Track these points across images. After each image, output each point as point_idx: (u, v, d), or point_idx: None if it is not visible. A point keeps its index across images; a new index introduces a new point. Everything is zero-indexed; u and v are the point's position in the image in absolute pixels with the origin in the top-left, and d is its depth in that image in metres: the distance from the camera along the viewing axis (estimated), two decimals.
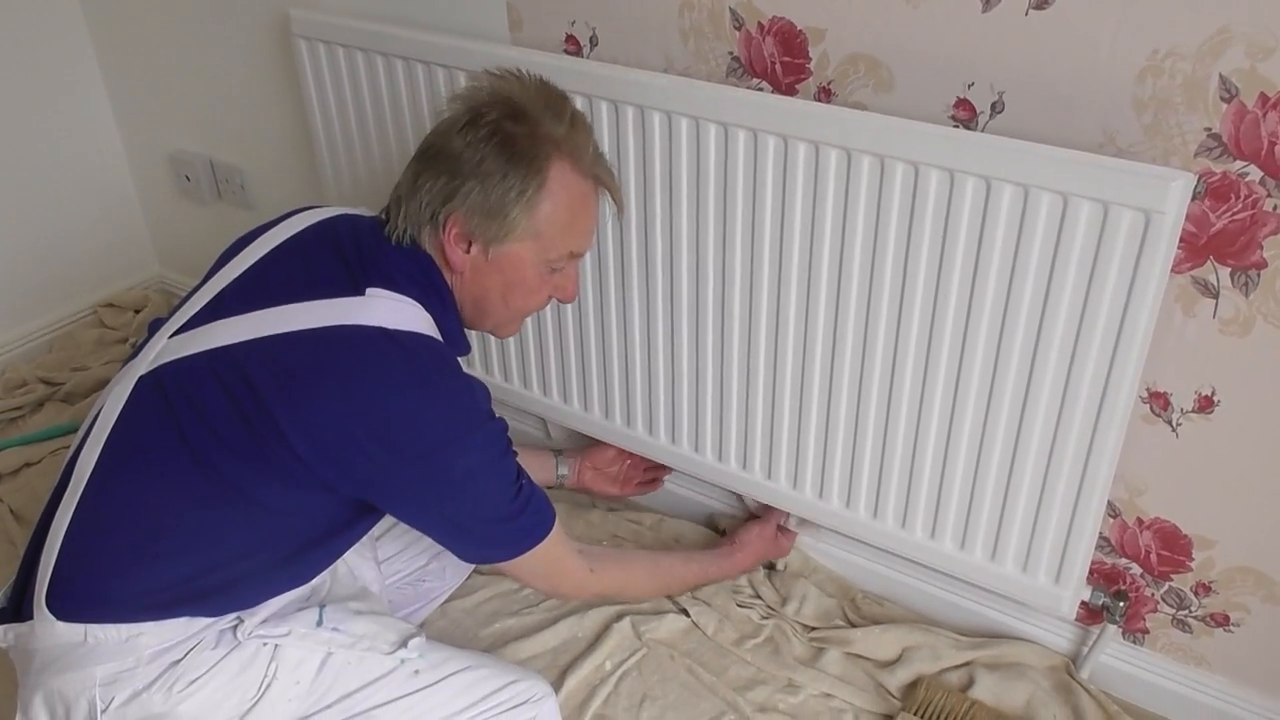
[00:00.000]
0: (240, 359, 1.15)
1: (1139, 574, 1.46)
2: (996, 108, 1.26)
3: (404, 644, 1.29)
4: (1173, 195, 1.11)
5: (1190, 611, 1.45)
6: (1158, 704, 1.52)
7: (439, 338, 1.21)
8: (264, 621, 1.22)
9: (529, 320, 1.71)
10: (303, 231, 1.28)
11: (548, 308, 1.60)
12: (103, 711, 1.16)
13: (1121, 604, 1.45)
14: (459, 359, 1.23)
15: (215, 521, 1.16)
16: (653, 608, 1.67)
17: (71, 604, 1.15)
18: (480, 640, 1.62)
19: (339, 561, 1.30)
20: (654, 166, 1.44)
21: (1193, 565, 1.41)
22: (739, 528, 1.72)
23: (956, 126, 1.29)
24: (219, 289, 1.23)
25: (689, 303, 1.52)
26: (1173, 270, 1.22)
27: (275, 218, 1.32)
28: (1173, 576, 1.43)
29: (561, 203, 1.22)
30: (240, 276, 1.24)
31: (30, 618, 1.16)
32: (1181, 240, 1.20)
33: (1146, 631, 1.50)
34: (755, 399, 1.54)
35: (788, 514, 1.69)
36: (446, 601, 1.68)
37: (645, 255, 1.52)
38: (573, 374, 1.73)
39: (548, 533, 1.29)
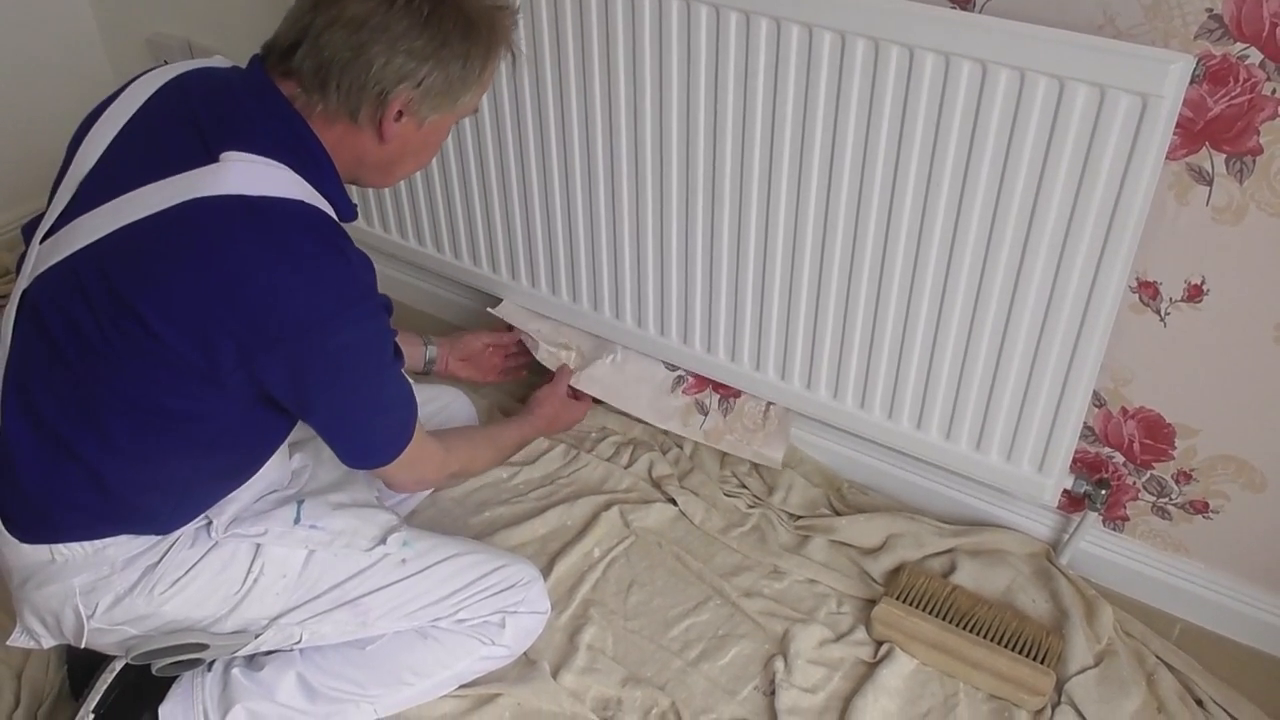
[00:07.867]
0: (99, 257, 1.07)
1: (1121, 462, 1.48)
2: None
3: (384, 539, 1.29)
4: (1171, 78, 1.09)
5: (1170, 499, 1.47)
6: (1135, 589, 1.55)
7: (317, 203, 1.11)
8: (238, 520, 1.22)
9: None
10: (148, 101, 1.15)
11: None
12: (89, 618, 1.17)
13: (1103, 492, 1.47)
14: (345, 225, 1.15)
15: (127, 439, 1.10)
16: (640, 497, 1.68)
17: (26, 528, 1.14)
18: (470, 528, 1.64)
19: (322, 446, 1.25)
20: (617, 49, 1.41)
21: (1175, 454, 1.42)
22: (538, 390, 1.77)
23: (953, 7, 1.25)
24: (77, 182, 1.14)
25: (679, 196, 1.50)
26: (1167, 157, 1.20)
27: (118, 88, 1.20)
28: (1155, 465, 1.45)
29: (492, 75, 1.18)
30: (94, 167, 1.14)
31: None
32: (1177, 126, 1.18)
33: (1126, 519, 1.52)
34: (744, 291, 1.53)
35: (574, 376, 1.79)
36: (436, 490, 1.68)
37: (610, 144, 1.50)
38: (561, 267, 1.72)
39: (416, 423, 1.24)
